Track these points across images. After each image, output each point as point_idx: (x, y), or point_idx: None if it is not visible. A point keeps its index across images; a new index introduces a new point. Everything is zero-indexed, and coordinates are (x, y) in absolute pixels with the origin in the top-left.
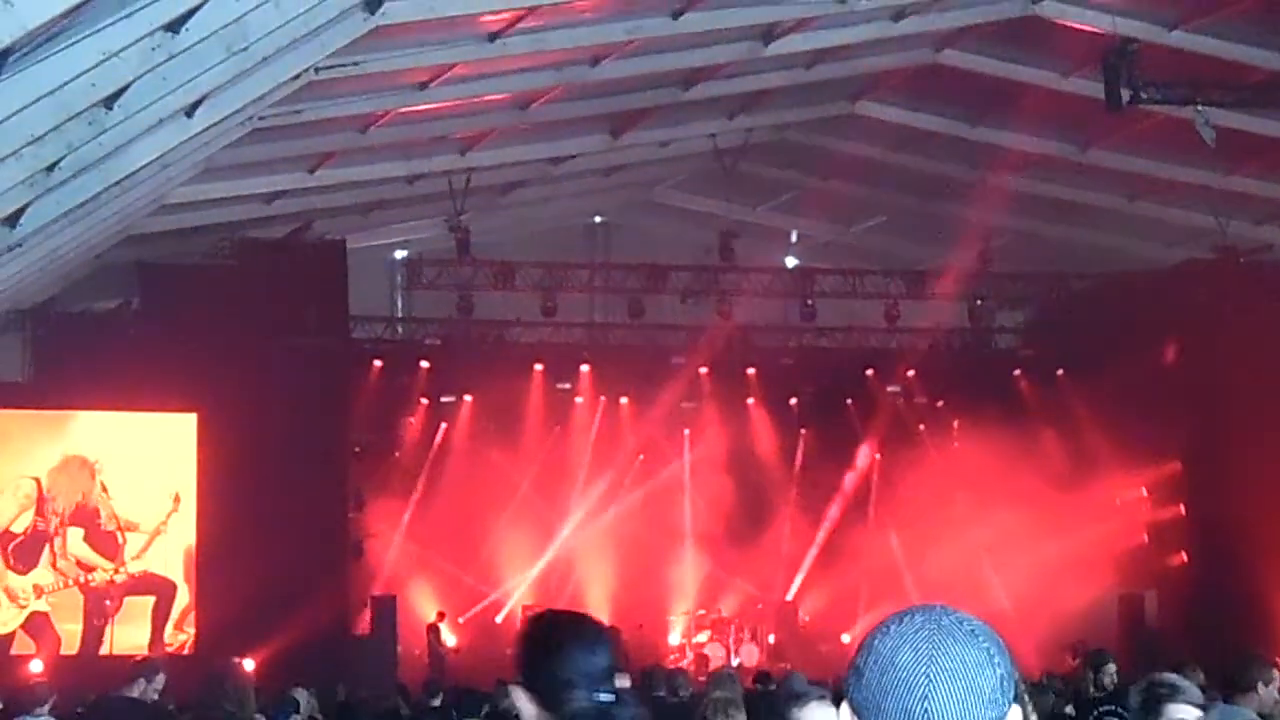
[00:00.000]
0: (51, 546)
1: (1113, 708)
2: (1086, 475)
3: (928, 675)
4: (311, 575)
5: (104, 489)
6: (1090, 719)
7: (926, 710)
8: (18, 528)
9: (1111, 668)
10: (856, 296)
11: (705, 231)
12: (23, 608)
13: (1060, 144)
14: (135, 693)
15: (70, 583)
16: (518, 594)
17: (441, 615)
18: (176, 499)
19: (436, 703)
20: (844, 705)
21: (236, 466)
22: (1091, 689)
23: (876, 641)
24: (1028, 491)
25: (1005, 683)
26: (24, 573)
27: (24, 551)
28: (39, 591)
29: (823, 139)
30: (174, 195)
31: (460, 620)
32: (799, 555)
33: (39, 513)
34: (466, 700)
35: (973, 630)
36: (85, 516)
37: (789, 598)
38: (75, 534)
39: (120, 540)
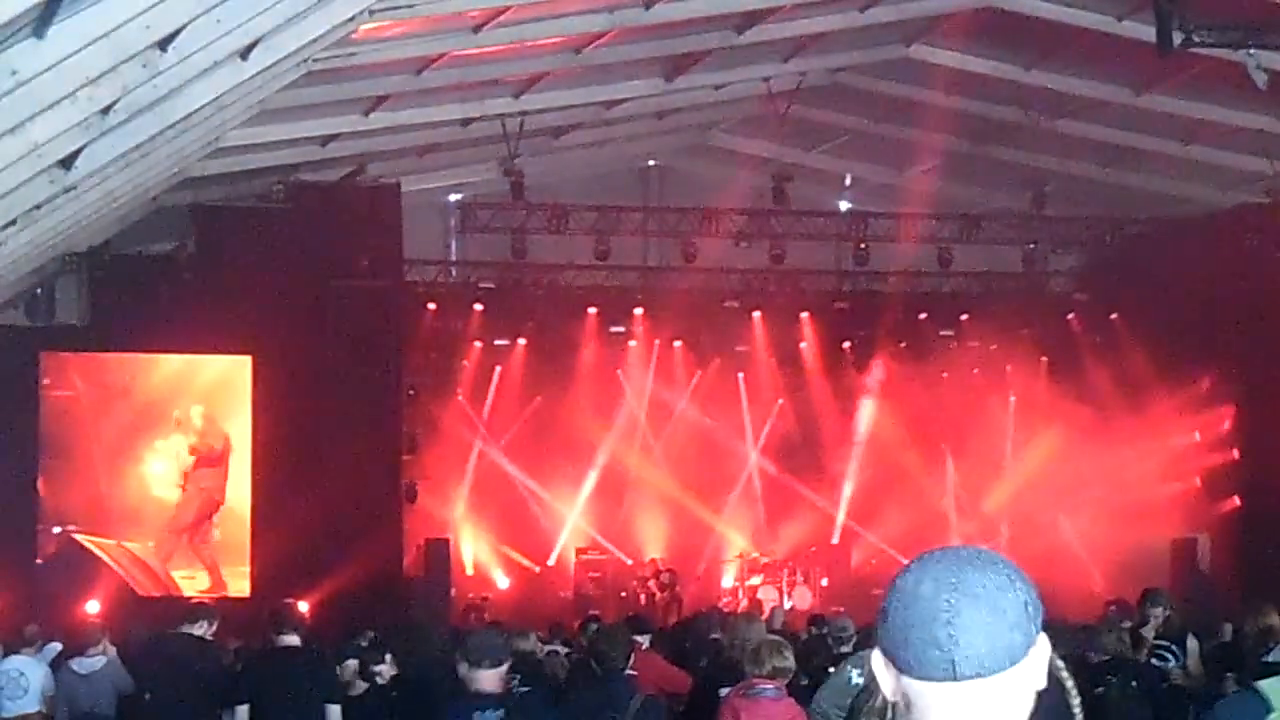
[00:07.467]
0: None
1: (1167, 643)
2: (1140, 420)
3: (948, 601)
4: (365, 518)
5: None
6: (1145, 653)
7: (951, 635)
8: None
9: (1157, 611)
10: (910, 240)
11: (758, 175)
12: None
13: (1114, 87)
14: (197, 631)
15: None
16: (570, 537)
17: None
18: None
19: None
20: (875, 651)
21: (291, 409)
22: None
23: (899, 580)
24: (1081, 436)
25: (1030, 609)
26: None
27: None
28: None
29: (877, 83)
30: (229, 138)
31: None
32: (853, 498)
33: None
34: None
35: (991, 558)
36: None
37: (841, 541)
38: None
39: None
